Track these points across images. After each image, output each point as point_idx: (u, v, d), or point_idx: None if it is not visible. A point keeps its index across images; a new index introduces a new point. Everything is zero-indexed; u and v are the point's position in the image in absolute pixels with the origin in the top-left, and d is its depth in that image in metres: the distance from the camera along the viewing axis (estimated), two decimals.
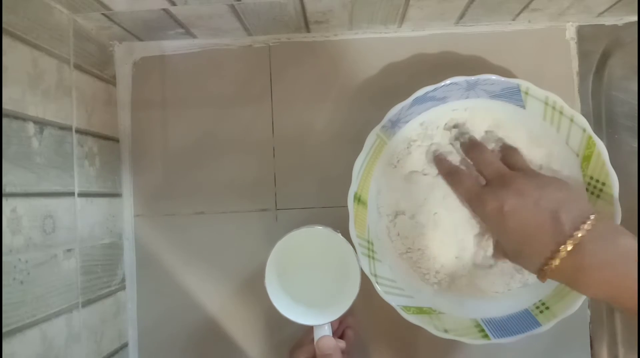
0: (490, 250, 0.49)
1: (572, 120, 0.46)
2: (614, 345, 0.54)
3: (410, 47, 0.55)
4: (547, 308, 0.47)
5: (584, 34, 0.55)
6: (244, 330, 0.55)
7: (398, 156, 0.50)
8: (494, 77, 0.46)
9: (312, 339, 0.47)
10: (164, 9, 0.47)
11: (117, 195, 0.55)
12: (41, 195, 0.42)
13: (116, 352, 0.53)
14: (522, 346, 0.50)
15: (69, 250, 0.45)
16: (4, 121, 0.38)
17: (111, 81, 0.55)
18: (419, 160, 0.50)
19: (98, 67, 0.53)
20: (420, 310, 0.48)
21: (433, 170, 0.49)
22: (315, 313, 0.48)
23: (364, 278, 0.47)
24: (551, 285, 0.48)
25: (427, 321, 0.47)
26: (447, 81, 0.46)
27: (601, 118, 0.54)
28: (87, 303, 0.48)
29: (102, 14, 0.48)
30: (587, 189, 0.47)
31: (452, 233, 0.49)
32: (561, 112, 0.47)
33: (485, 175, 0.45)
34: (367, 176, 0.49)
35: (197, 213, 0.56)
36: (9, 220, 0.38)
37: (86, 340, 0.47)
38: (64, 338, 0.44)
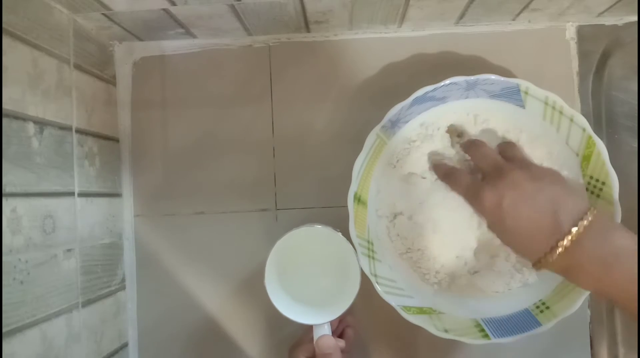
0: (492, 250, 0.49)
1: (572, 120, 0.46)
2: (614, 345, 0.54)
3: (410, 47, 0.55)
4: (547, 307, 0.47)
5: (584, 34, 0.55)
6: (243, 330, 0.55)
7: (398, 156, 0.50)
8: (493, 77, 0.46)
9: (312, 338, 0.47)
10: (164, 9, 0.47)
11: (117, 195, 0.55)
12: (41, 195, 0.42)
13: (116, 352, 0.53)
14: (522, 346, 0.50)
15: (69, 250, 0.45)
16: (4, 121, 0.38)
17: (111, 81, 0.55)
18: (418, 160, 0.50)
19: (98, 67, 0.53)
20: (420, 310, 0.48)
21: (432, 174, 0.50)
22: (314, 312, 0.48)
23: (364, 278, 0.47)
24: (551, 285, 0.48)
25: (427, 321, 0.47)
26: (447, 81, 0.46)
27: (601, 118, 0.54)
28: (87, 303, 0.48)
29: (102, 14, 0.48)
30: (587, 189, 0.47)
31: (451, 233, 0.49)
32: (561, 112, 0.47)
33: (482, 168, 0.45)
34: (367, 176, 0.49)
35: (197, 213, 0.56)
36: (9, 220, 0.38)
37: (86, 340, 0.47)
38: (64, 338, 0.44)
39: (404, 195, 0.50)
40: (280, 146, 0.56)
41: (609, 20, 0.55)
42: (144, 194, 0.56)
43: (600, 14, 0.53)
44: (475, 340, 0.47)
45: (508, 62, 0.54)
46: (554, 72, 0.54)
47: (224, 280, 0.55)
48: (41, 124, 0.42)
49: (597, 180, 0.46)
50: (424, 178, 0.50)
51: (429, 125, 0.50)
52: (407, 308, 0.47)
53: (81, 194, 0.48)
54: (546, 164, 0.49)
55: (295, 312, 0.47)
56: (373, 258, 0.49)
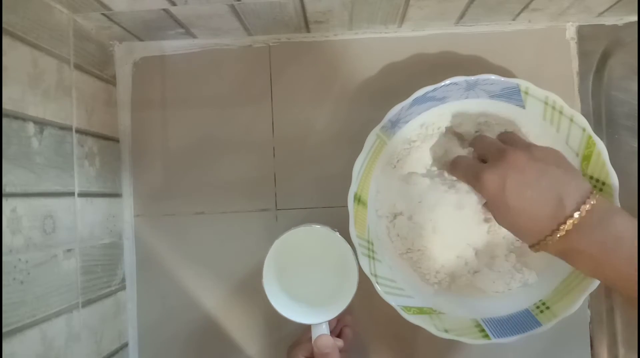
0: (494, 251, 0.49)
1: (572, 120, 0.47)
2: (614, 345, 0.54)
3: (410, 47, 0.55)
4: (547, 307, 0.47)
5: (584, 34, 0.55)
6: (243, 329, 0.55)
7: (398, 157, 0.50)
8: (493, 77, 0.46)
9: (310, 338, 0.47)
10: (164, 9, 0.47)
11: (117, 195, 0.55)
12: (41, 195, 0.42)
13: (116, 352, 0.53)
14: (522, 346, 0.50)
15: (69, 250, 0.45)
16: (4, 121, 0.38)
17: (111, 81, 0.55)
18: (418, 161, 0.50)
19: (98, 67, 0.53)
20: (420, 310, 0.48)
21: (433, 172, 0.50)
22: (313, 312, 0.48)
23: (364, 278, 0.47)
24: (551, 285, 0.48)
25: (427, 321, 0.47)
26: (447, 81, 0.46)
27: (601, 118, 0.54)
28: (87, 303, 0.48)
29: (102, 14, 0.48)
30: None
31: (452, 233, 0.49)
32: (561, 112, 0.47)
33: (484, 155, 0.44)
34: (367, 176, 0.49)
35: (197, 213, 0.56)
36: (9, 220, 0.38)
37: (86, 340, 0.47)
38: (64, 338, 0.44)
39: (404, 195, 0.50)
40: (280, 146, 0.56)
41: (609, 20, 0.55)
42: (144, 194, 0.56)
43: (600, 14, 0.53)
44: (475, 340, 0.47)
45: (508, 62, 0.54)
46: (554, 72, 0.54)
47: (223, 280, 0.55)
48: (41, 124, 0.42)
49: (597, 180, 0.46)
50: (424, 177, 0.50)
51: (429, 125, 0.50)
52: (407, 308, 0.47)
53: (81, 194, 0.48)
54: None
55: (293, 312, 0.47)
56: (373, 258, 0.49)
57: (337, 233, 0.48)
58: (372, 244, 0.49)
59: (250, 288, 0.55)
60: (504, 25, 0.55)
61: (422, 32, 0.55)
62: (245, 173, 0.55)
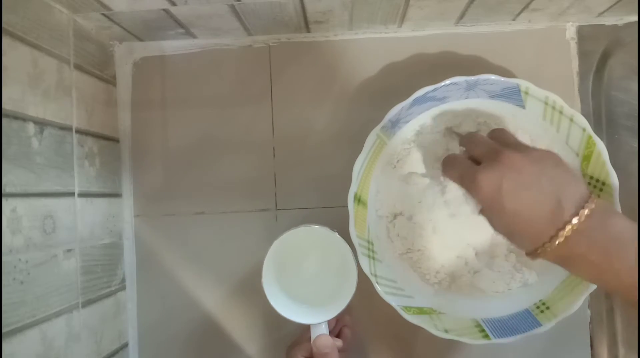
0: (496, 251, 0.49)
1: (572, 120, 0.47)
2: (614, 345, 0.54)
3: (410, 47, 0.55)
4: (547, 308, 0.47)
5: (584, 34, 0.55)
6: (243, 330, 0.55)
7: (398, 157, 0.50)
8: (493, 77, 0.46)
9: (310, 338, 0.47)
10: (164, 9, 0.47)
11: (117, 195, 0.55)
12: (41, 195, 0.42)
13: (116, 352, 0.53)
14: (522, 346, 0.50)
15: (69, 250, 0.45)
16: (4, 121, 0.38)
17: (111, 81, 0.55)
18: (418, 161, 0.50)
19: (98, 67, 0.53)
20: (420, 310, 0.48)
21: (431, 172, 0.50)
22: (312, 311, 0.48)
23: (364, 278, 0.47)
24: (551, 285, 0.48)
25: (427, 321, 0.47)
26: (447, 81, 0.46)
27: (601, 118, 0.54)
28: (87, 303, 0.48)
29: (102, 14, 0.48)
30: None
31: (452, 233, 0.49)
32: (561, 112, 0.47)
33: (477, 155, 0.42)
34: (367, 177, 0.49)
35: (197, 213, 0.56)
36: (9, 220, 0.38)
37: (86, 340, 0.47)
38: (64, 338, 0.44)
39: (404, 195, 0.50)
40: (280, 146, 0.56)
41: (609, 20, 0.55)
42: (144, 194, 0.56)
43: (600, 14, 0.53)
44: (476, 340, 0.47)
45: (508, 62, 0.54)
46: (554, 72, 0.54)
47: (223, 280, 0.55)
48: (41, 124, 0.42)
49: (597, 180, 0.46)
50: (424, 177, 0.50)
51: (429, 125, 0.50)
52: (407, 308, 0.47)
53: (81, 195, 0.48)
54: None
55: (292, 312, 0.47)
56: (373, 258, 0.49)
57: (336, 234, 0.48)
58: (372, 244, 0.49)
59: (250, 288, 0.54)
60: (504, 25, 0.55)
61: (422, 32, 0.55)
62: (245, 173, 0.55)
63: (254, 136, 0.56)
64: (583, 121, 0.46)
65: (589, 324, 0.54)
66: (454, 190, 0.48)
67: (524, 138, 0.49)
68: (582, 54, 0.55)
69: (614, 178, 0.45)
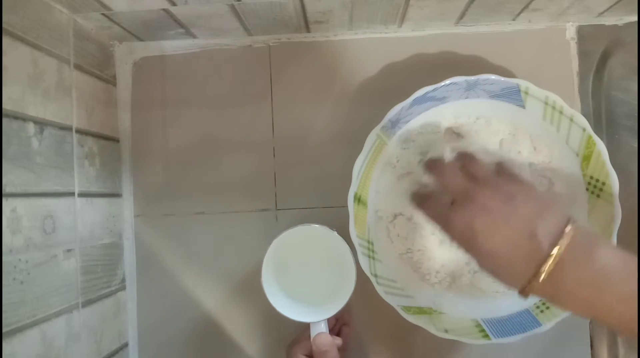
0: None
1: (572, 120, 0.47)
2: (614, 345, 0.54)
3: (410, 47, 0.55)
4: (547, 307, 0.47)
5: (584, 34, 0.55)
6: (243, 329, 0.55)
7: (398, 157, 0.50)
8: (493, 77, 0.46)
9: (309, 336, 0.47)
10: (164, 9, 0.47)
11: (117, 195, 0.55)
12: (41, 195, 0.42)
13: (116, 352, 0.53)
14: (522, 346, 0.49)
15: (69, 250, 0.45)
16: (4, 121, 0.38)
17: (111, 81, 0.55)
18: (417, 161, 0.50)
19: (98, 67, 0.53)
20: (420, 310, 0.48)
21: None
22: (311, 310, 0.48)
23: (364, 278, 0.47)
24: None
25: (427, 321, 0.47)
26: (447, 81, 0.46)
27: (601, 118, 0.54)
28: (87, 303, 0.48)
29: (102, 14, 0.48)
30: (587, 189, 0.48)
31: None
32: (561, 112, 0.47)
33: (450, 193, 0.41)
34: (367, 176, 0.49)
35: (197, 213, 0.56)
36: (9, 220, 0.38)
37: (86, 340, 0.47)
38: (64, 338, 0.44)
39: (404, 195, 0.50)
40: (280, 146, 0.56)
41: (609, 20, 0.55)
42: (144, 194, 0.56)
43: (600, 14, 0.53)
44: (476, 340, 0.47)
45: (508, 62, 0.54)
46: (554, 72, 0.54)
47: (223, 280, 0.55)
48: (41, 124, 0.42)
49: (597, 180, 0.46)
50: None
51: (429, 125, 0.50)
52: (407, 308, 0.47)
53: (81, 195, 0.48)
54: (546, 164, 0.49)
55: (292, 310, 0.47)
56: (373, 258, 0.49)
57: (335, 232, 0.48)
58: (372, 244, 0.49)
59: (250, 288, 0.54)
60: (504, 25, 0.55)
61: (422, 32, 0.55)
62: (245, 173, 0.55)
63: (254, 136, 0.56)
64: (583, 121, 0.46)
65: (589, 324, 0.54)
66: None
67: (524, 137, 0.49)
68: (582, 54, 0.55)
69: (614, 178, 0.45)
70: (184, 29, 0.53)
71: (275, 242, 0.47)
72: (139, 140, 0.56)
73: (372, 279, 0.47)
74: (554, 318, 0.46)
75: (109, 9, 0.46)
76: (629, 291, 0.33)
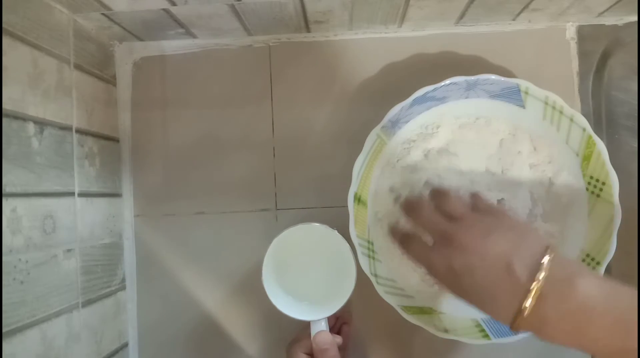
0: None
1: (572, 120, 0.47)
2: None
3: (410, 47, 0.55)
4: None
5: (584, 34, 0.55)
6: (243, 329, 0.55)
7: (398, 156, 0.50)
8: (493, 77, 0.46)
9: (309, 334, 0.47)
10: (164, 9, 0.47)
11: (117, 195, 0.55)
12: (41, 195, 0.42)
13: (116, 352, 0.53)
14: (522, 346, 0.49)
15: (69, 250, 0.45)
16: (4, 121, 0.38)
17: (111, 81, 0.55)
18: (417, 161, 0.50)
19: (98, 67, 0.53)
20: (420, 310, 0.48)
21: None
22: (312, 308, 0.48)
23: (364, 277, 0.47)
24: None
25: (427, 321, 0.47)
26: (447, 81, 0.46)
27: (601, 118, 0.54)
28: (87, 303, 0.48)
29: (102, 14, 0.48)
30: (587, 189, 0.48)
31: None
32: (561, 112, 0.47)
33: (430, 234, 0.42)
34: (367, 176, 0.49)
35: (197, 213, 0.56)
36: (9, 220, 0.38)
37: (86, 340, 0.47)
38: (64, 338, 0.44)
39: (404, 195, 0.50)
40: (280, 146, 0.56)
41: (609, 20, 0.55)
42: (144, 194, 0.56)
43: (600, 14, 0.53)
44: (475, 340, 0.47)
45: (508, 62, 0.54)
46: (554, 72, 0.54)
47: (223, 280, 0.55)
48: (41, 124, 0.42)
49: (597, 180, 0.46)
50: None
51: (429, 125, 0.50)
52: (407, 308, 0.47)
53: (81, 194, 0.48)
54: (546, 164, 0.49)
55: (292, 309, 0.47)
56: (373, 258, 0.49)
57: (336, 231, 0.48)
58: (373, 244, 0.49)
59: (250, 288, 0.54)
60: (504, 25, 0.55)
61: (422, 32, 0.55)
62: (245, 173, 0.55)
63: (254, 136, 0.56)
64: (583, 121, 0.46)
65: None
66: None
67: (524, 137, 0.49)
68: (582, 54, 0.55)
69: (613, 178, 0.45)
70: (184, 29, 0.53)
71: (276, 241, 0.47)
72: (139, 140, 0.56)
73: (372, 279, 0.47)
74: None
75: (109, 9, 0.46)
76: (611, 322, 0.33)
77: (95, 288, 0.49)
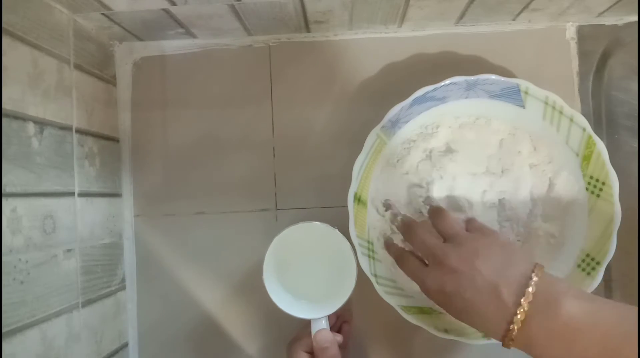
0: None
1: (572, 120, 0.47)
2: None
3: (410, 47, 0.55)
4: None
5: (584, 34, 0.55)
6: (243, 328, 0.55)
7: (398, 156, 0.50)
8: (493, 77, 0.46)
9: (310, 333, 0.47)
10: (164, 9, 0.47)
11: (117, 195, 0.55)
12: (41, 195, 0.42)
13: (116, 352, 0.53)
14: None
15: (69, 250, 0.45)
16: (4, 121, 0.38)
17: (111, 81, 0.55)
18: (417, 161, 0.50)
19: (98, 67, 0.53)
20: (420, 310, 0.48)
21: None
22: (312, 307, 0.48)
23: (364, 277, 0.47)
24: None
25: (427, 321, 0.47)
26: (447, 81, 0.46)
27: (601, 118, 0.54)
28: (87, 303, 0.48)
29: (102, 14, 0.48)
30: (587, 189, 0.48)
31: None
32: (561, 112, 0.47)
33: (423, 255, 0.44)
34: (367, 176, 0.49)
35: (197, 213, 0.56)
36: (9, 220, 0.38)
37: (86, 340, 0.47)
38: (64, 338, 0.44)
39: (403, 194, 0.50)
40: (280, 146, 0.56)
41: (609, 20, 0.55)
42: (144, 194, 0.56)
43: (600, 14, 0.53)
44: (476, 340, 0.47)
45: (508, 62, 0.54)
46: (554, 72, 0.54)
47: (223, 280, 0.55)
48: (41, 124, 0.42)
49: (597, 180, 0.46)
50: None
51: (429, 125, 0.50)
52: (407, 308, 0.47)
53: (81, 194, 0.48)
54: (546, 164, 0.49)
55: (293, 307, 0.48)
56: (373, 258, 0.49)
57: (336, 230, 0.48)
58: (372, 244, 0.49)
59: (250, 288, 0.55)
60: (504, 25, 0.55)
61: (422, 32, 0.55)
62: (245, 173, 0.55)
63: (254, 136, 0.56)
64: (583, 121, 0.46)
65: None
66: (456, 189, 0.48)
67: (523, 137, 0.49)
68: (582, 54, 0.55)
69: (613, 178, 0.45)
70: (184, 29, 0.53)
71: (277, 239, 0.47)
72: (139, 140, 0.56)
73: (372, 279, 0.47)
74: None
75: (109, 9, 0.46)
76: (597, 340, 0.34)
77: (95, 288, 0.49)
